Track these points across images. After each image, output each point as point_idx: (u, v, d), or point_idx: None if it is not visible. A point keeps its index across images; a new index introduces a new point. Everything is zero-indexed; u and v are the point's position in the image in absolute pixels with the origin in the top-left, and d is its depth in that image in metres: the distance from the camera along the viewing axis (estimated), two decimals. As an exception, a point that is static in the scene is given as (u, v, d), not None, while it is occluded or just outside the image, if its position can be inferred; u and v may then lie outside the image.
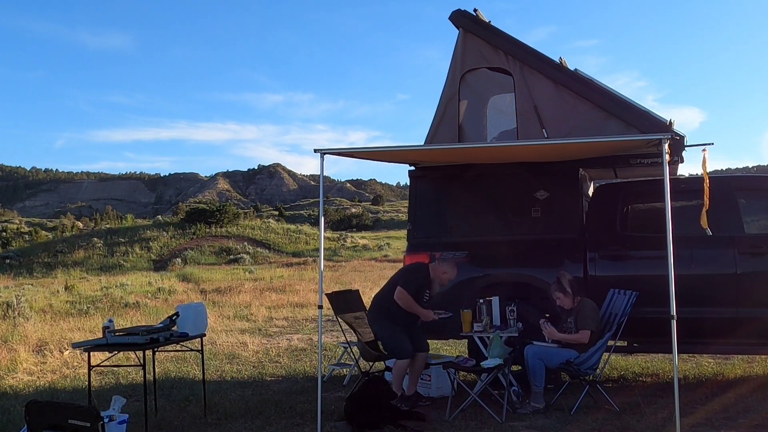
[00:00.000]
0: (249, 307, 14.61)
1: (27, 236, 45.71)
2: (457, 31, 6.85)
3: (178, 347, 6.09)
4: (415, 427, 5.33)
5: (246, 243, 36.54)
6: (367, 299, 7.02)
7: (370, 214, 61.90)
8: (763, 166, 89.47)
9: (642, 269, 6.39)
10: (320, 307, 5.76)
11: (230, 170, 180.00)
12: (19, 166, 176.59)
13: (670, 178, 4.94)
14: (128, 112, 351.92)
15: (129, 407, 5.68)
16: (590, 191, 7.48)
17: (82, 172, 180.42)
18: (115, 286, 19.48)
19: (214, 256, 34.29)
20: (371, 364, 6.74)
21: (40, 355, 9.29)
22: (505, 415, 5.48)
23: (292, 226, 42.89)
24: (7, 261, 35.98)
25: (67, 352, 9.36)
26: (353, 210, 68.75)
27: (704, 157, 5.30)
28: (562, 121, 6.38)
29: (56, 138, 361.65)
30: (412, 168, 7.20)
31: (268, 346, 9.83)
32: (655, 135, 5.26)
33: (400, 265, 7.26)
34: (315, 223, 49.97)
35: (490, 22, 6.99)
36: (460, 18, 6.81)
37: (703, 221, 5.25)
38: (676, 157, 6.19)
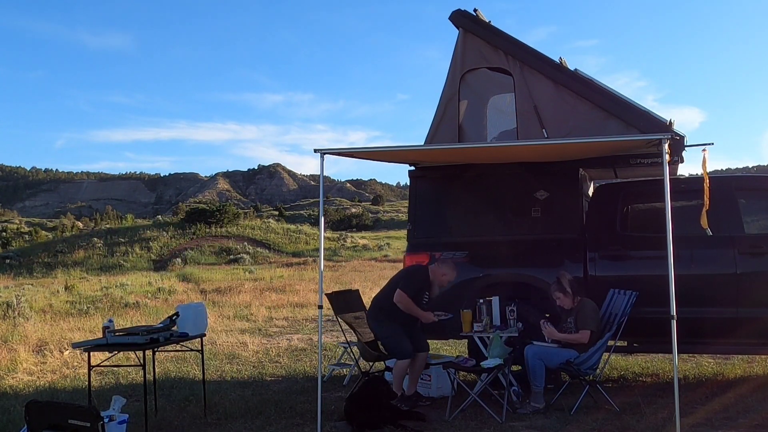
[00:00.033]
0: (249, 307, 14.61)
1: (27, 236, 45.72)
2: (457, 31, 6.85)
3: (178, 347, 6.09)
4: (415, 427, 5.33)
5: (246, 243, 36.54)
6: (367, 299, 7.02)
7: (370, 214, 61.91)
8: (763, 166, 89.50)
9: (642, 269, 6.38)
10: (320, 307, 5.76)
11: (230, 170, 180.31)
12: (19, 166, 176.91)
13: (670, 178, 4.94)
14: (128, 112, 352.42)
15: (129, 407, 5.68)
16: (590, 191, 7.48)
17: (82, 172, 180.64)
18: (115, 286, 19.48)
19: (214, 256, 34.29)
20: (371, 364, 6.75)
21: (40, 355, 9.29)
22: (505, 415, 5.48)
23: (292, 226, 42.90)
24: (7, 261, 35.99)
25: (67, 352, 9.36)
26: (353, 210, 68.76)
27: (704, 157, 5.30)
28: (562, 121, 6.38)
29: (56, 138, 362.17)
30: (412, 168, 7.20)
31: (268, 346, 9.83)
32: (655, 135, 5.26)
33: (400, 265, 7.26)
34: (315, 223, 49.97)
35: (490, 22, 6.99)
36: (460, 18, 6.81)
37: (703, 221, 5.25)
38: (676, 157, 6.19)
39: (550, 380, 6.01)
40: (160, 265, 32.33)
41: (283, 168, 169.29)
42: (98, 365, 5.87)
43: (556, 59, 6.91)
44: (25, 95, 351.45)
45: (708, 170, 5.32)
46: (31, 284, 22.50)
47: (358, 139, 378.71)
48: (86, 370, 5.41)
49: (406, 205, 8.07)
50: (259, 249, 35.52)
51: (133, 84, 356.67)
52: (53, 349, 9.53)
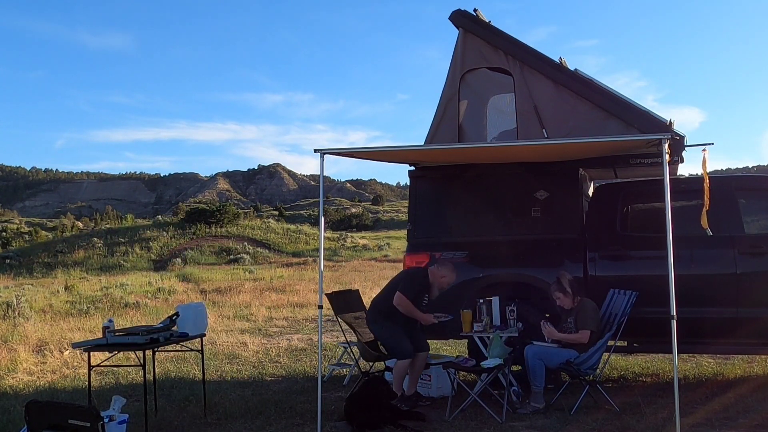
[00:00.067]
0: (249, 307, 14.61)
1: (27, 236, 45.72)
2: (457, 31, 6.85)
3: (178, 347, 6.09)
4: (415, 427, 5.33)
5: (246, 243, 36.54)
6: (367, 299, 7.02)
7: (370, 214, 61.90)
8: (763, 166, 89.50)
9: (642, 269, 6.38)
10: (320, 307, 5.76)
11: (230, 170, 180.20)
12: (19, 166, 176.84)
13: (670, 178, 4.94)
14: (128, 112, 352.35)
15: (129, 407, 5.69)
16: (590, 191, 7.48)
17: (82, 172, 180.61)
18: (115, 286, 19.48)
19: (214, 256, 34.30)
20: (371, 364, 6.74)
21: (40, 355, 9.29)
22: (505, 415, 5.48)
23: (292, 226, 42.90)
24: (7, 261, 35.99)
25: (67, 352, 9.36)
26: (353, 210, 68.76)
27: (704, 157, 5.31)
28: (562, 121, 6.38)
29: (56, 138, 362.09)
30: (412, 168, 7.20)
31: (268, 346, 9.83)
32: (655, 135, 5.26)
33: (400, 265, 7.26)
34: (315, 223, 49.97)
35: (490, 22, 6.99)
36: (460, 18, 6.81)
37: (703, 221, 5.25)
38: (676, 157, 6.19)
39: (550, 380, 6.01)
40: (160, 265, 32.33)
41: (283, 168, 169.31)
42: (98, 365, 5.87)
43: (556, 59, 6.92)
44: (25, 95, 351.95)
45: (708, 170, 5.32)
46: (31, 284, 22.50)
47: (358, 139, 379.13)
48: (86, 370, 5.41)
49: (406, 205, 8.07)
50: (259, 249, 35.52)
51: (133, 84, 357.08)
52: (53, 349, 9.53)
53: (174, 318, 5.72)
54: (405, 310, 5.93)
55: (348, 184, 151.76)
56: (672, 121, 6.05)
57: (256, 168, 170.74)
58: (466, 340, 6.76)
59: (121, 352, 6.05)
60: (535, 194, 6.74)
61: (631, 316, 5.76)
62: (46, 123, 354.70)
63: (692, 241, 6.06)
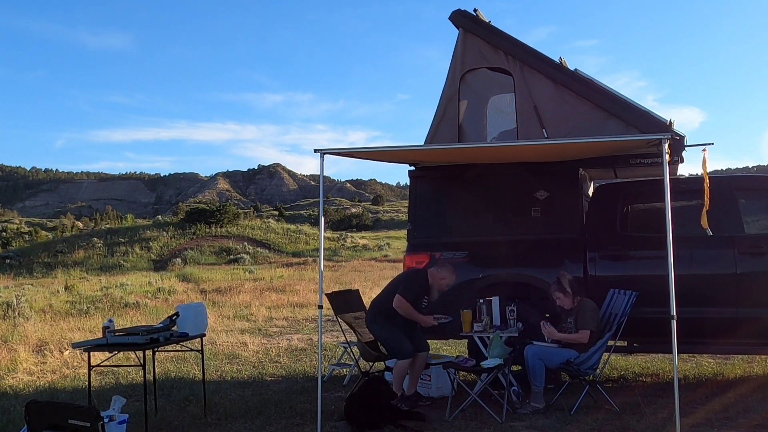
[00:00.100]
0: (249, 307, 14.61)
1: (27, 236, 45.72)
2: (457, 31, 6.85)
3: (178, 347, 6.09)
4: (415, 427, 5.33)
5: (246, 243, 36.55)
6: (367, 299, 7.02)
7: (370, 214, 61.91)
8: (763, 166, 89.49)
9: (642, 269, 6.38)
10: (320, 307, 5.76)
11: (230, 170, 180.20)
12: (19, 166, 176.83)
13: (670, 178, 4.94)
14: (128, 112, 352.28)
15: (129, 407, 5.69)
16: (590, 191, 7.48)
17: (82, 172, 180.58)
18: (115, 286, 19.48)
19: (214, 256, 34.30)
20: (371, 364, 6.75)
21: (40, 355, 9.29)
22: (505, 415, 5.48)
23: (292, 226, 42.90)
24: (7, 261, 35.99)
25: (67, 352, 9.36)
26: (353, 210, 68.76)
27: (704, 157, 5.30)
28: (562, 121, 6.39)
29: (56, 138, 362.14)
30: (412, 168, 7.20)
31: (268, 346, 9.83)
32: (655, 135, 5.26)
33: (400, 265, 7.26)
34: (315, 223, 49.97)
35: (490, 22, 6.99)
36: (460, 18, 6.81)
37: (704, 221, 5.25)
38: (676, 157, 6.19)
39: (550, 380, 6.01)
40: (160, 265, 32.33)
41: (283, 168, 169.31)
42: (98, 365, 5.87)
43: (556, 59, 6.92)
44: (25, 95, 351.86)
45: (708, 170, 5.32)
46: (31, 284, 22.50)
47: (358, 139, 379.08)
48: (86, 370, 5.41)
49: (406, 205, 8.07)
50: (259, 249, 35.52)
51: (133, 84, 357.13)
52: (53, 349, 9.53)
53: (174, 318, 5.72)
54: (405, 312, 5.92)
55: (348, 184, 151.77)
56: (672, 121, 6.05)
57: (256, 168, 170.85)
58: (466, 340, 6.76)
59: (121, 352, 6.05)
60: (535, 194, 6.74)
61: (631, 316, 5.76)
62: (46, 123, 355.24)
63: (692, 241, 6.06)
